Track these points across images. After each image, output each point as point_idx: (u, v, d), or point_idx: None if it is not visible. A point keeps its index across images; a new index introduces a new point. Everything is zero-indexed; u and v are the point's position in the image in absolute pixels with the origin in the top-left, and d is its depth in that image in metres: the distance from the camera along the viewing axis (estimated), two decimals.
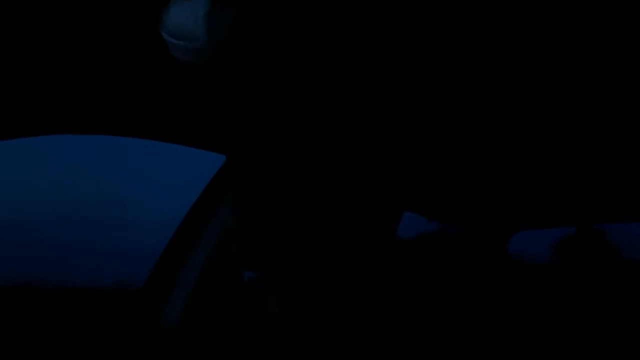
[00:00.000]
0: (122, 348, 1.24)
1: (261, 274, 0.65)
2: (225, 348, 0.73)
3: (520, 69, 1.04)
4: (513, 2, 0.82)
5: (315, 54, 0.76)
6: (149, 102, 1.10)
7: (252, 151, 0.64)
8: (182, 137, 1.26)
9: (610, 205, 2.15)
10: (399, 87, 1.01)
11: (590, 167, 1.67)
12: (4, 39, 0.83)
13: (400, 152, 0.67)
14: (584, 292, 0.98)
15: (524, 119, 1.29)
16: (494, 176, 1.78)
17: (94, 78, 0.98)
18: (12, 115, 1.00)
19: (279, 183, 0.62)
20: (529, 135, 1.40)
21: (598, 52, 0.98)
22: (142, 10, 0.81)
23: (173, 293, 1.32)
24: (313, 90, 0.68)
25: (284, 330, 0.64)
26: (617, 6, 0.83)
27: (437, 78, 1.06)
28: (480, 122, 1.30)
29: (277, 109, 0.67)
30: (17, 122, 1.01)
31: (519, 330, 0.76)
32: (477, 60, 1.00)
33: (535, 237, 2.60)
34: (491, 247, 2.46)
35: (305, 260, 0.62)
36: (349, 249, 0.62)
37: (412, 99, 1.09)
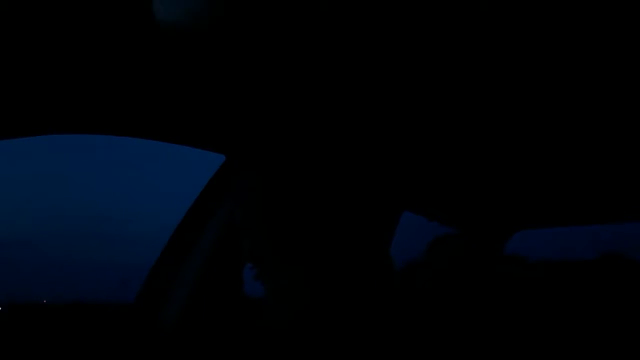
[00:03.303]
0: (122, 348, 1.25)
1: (261, 274, 0.65)
2: (224, 348, 0.73)
3: (520, 69, 1.04)
4: (513, 2, 0.82)
5: (317, 54, 0.75)
6: (149, 102, 1.10)
7: (253, 155, 0.65)
8: (182, 137, 1.26)
9: (610, 205, 2.15)
10: (399, 88, 1.01)
11: (590, 167, 1.67)
12: (4, 39, 0.83)
13: (400, 153, 0.67)
14: (583, 292, 0.98)
15: (523, 120, 1.29)
16: (494, 177, 1.78)
17: (94, 78, 0.98)
18: (12, 115, 1.00)
19: (280, 186, 0.62)
20: (528, 137, 1.40)
21: (598, 52, 0.98)
22: (142, 9, 0.81)
23: (172, 293, 1.31)
24: (314, 92, 0.68)
25: (283, 330, 0.64)
26: (617, 6, 0.83)
27: (437, 79, 1.06)
28: (480, 123, 1.30)
29: (278, 111, 0.67)
30: (17, 122, 1.01)
31: (518, 328, 0.76)
32: (477, 60, 1.00)
33: (535, 237, 2.61)
34: (491, 247, 2.46)
35: (304, 261, 0.62)
36: (348, 250, 0.62)
37: (412, 100, 1.09)
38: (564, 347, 0.83)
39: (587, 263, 1.09)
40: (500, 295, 0.83)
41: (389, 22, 0.84)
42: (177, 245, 1.36)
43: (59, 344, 1.24)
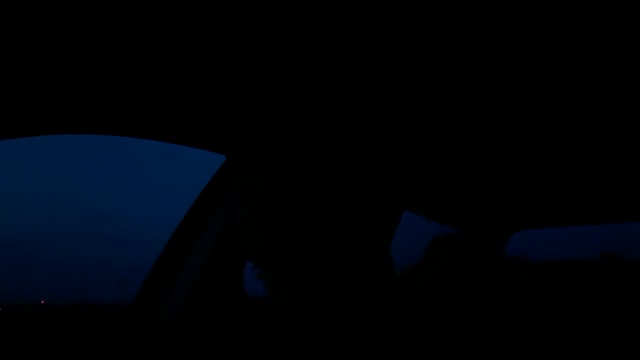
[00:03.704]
0: (122, 348, 1.25)
1: (262, 274, 0.65)
2: (224, 348, 0.73)
3: (520, 70, 1.04)
4: (513, 2, 0.82)
5: (319, 54, 0.75)
6: (149, 102, 1.10)
7: (254, 155, 0.65)
8: (182, 137, 1.26)
9: (611, 205, 2.15)
10: (401, 90, 1.01)
11: (590, 167, 1.67)
12: (4, 39, 0.83)
13: (401, 154, 0.67)
14: (583, 292, 0.98)
15: (523, 121, 1.29)
16: (493, 177, 1.78)
17: (94, 78, 0.98)
18: (12, 115, 1.00)
19: (281, 186, 0.62)
20: (528, 137, 1.40)
21: (598, 53, 0.98)
22: (142, 10, 0.81)
23: (172, 293, 1.31)
24: (316, 93, 0.68)
25: (284, 329, 0.64)
26: (617, 6, 0.83)
27: (438, 80, 1.06)
28: (480, 124, 1.30)
29: (279, 112, 0.67)
30: (17, 122, 1.01)
31: (518, 328, 0.76)
32: (477, 62, 1.00)
33: (535, 237, 2.61)
34: (491, 247, 2.46)
35: (305, 260, 0.62)
36: (348, 250, 0.62)
37: (414, 101, 1.09)
38: (564, 347, 0.83)
39: (587, 263, 1.09)
40: (500, 295, 0.83)
41: (391, 23, 0.84)
42: (177, 245, 1.36)
43: (58, 344, 1.24)
